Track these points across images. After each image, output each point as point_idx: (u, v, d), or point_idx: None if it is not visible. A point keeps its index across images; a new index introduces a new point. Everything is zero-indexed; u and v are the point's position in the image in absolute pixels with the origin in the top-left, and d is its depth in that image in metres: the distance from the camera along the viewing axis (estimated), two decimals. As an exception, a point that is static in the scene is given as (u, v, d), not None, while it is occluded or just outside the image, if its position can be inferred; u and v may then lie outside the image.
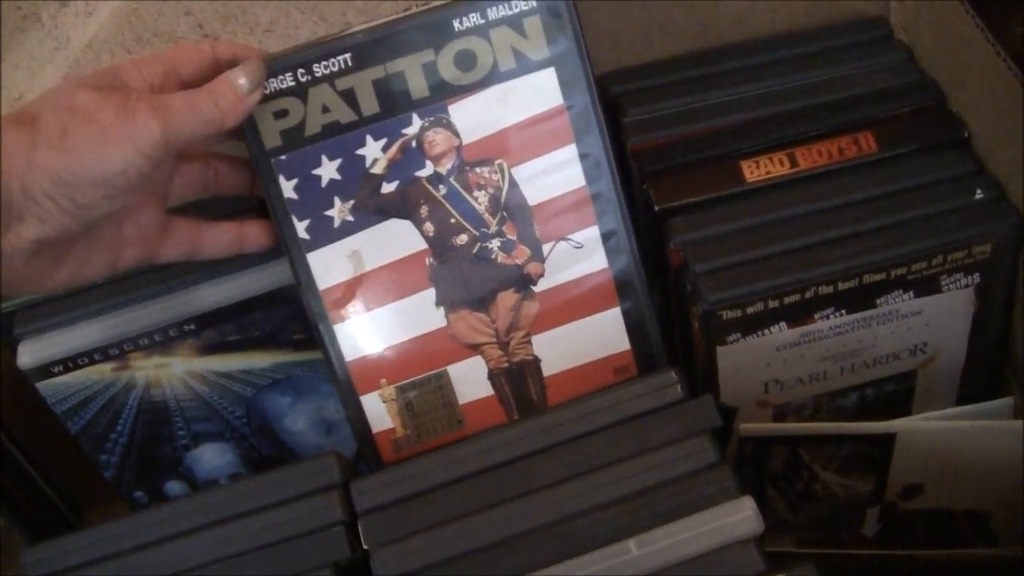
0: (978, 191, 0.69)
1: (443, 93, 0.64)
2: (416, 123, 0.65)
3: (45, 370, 0.72)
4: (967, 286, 0.70)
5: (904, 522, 0.75)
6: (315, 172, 0.65)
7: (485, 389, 0.70)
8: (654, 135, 0.73)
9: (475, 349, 0.69)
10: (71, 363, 0.72)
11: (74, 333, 0.72)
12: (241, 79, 0.59)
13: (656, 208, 0.71)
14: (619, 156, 0.75)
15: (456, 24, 0.63)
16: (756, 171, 0.71)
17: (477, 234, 0.67)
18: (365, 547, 0.60)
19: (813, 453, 0.70)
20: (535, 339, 0.69)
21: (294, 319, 0.73)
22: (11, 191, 0.53)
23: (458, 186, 0.66)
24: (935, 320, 0.71)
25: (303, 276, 0.67)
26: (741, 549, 0.56)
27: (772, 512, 0.74)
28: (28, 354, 0.71)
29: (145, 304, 0.72)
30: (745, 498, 0.58)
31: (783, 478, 0.72)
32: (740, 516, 0.57)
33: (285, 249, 0.66)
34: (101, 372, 0.73)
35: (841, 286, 0.68)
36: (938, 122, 0.73)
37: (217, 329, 0.72)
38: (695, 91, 0.75)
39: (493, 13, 0.63)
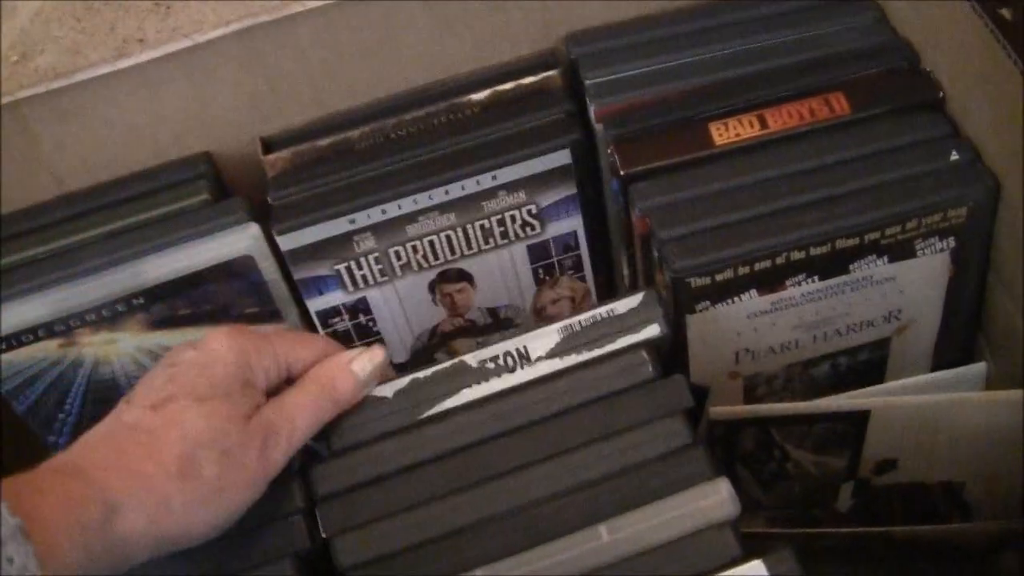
0: (953, 153, 0.67)
1: None
2: None
3: (-12, 348, 0.69)
4: (942, 251, 0.68)
5: (878, 497, 0.73)
6: None
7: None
8: (618, 98, 0.71)
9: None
10: (15, 340, 0.69)
11: (18, 309, 0.69)
12: (366, 372, 0.59)
13: (622, 173, 0.68)
14: (582, 120, 0.73)
15: None
16: (725, 133, 0.68)
17: None
18: (324, 535, 0.57)
19: (785, 432, 0.68)
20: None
21: (246, 292, 0.70)
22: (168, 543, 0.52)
23: None
24: (910, 286, 0.69)
25: None
26: (717, 533, 0.54)
27: (743, 492, 0.72)
28: (-31, 332, 0.68)
29: (91, 278, 0.69)
30: (720, 480, 0.55)
31: (754, 458, 0.70)
32: (715, 499, 0.54)
33: None
34: (47, 349, 0.70)
35: (813, 252, 0.65)
36: (912, 83, 0.71)
37: (167, 303, 0.70)
38: (661, 52, 0.72)
39: None
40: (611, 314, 0.61)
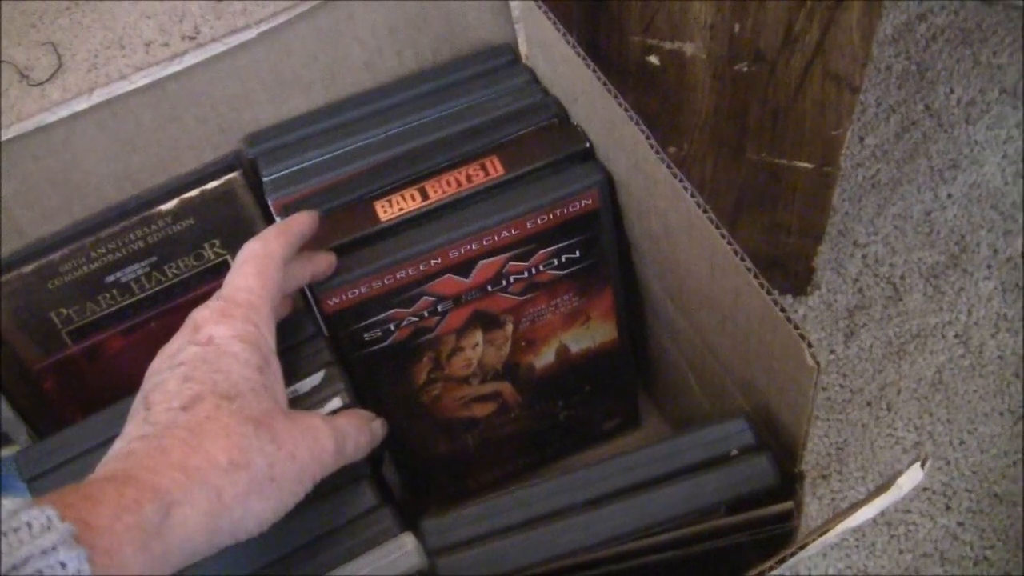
0: (600, 197, 0.73)
1: None
2: None
3: None
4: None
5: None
6: None
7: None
8: (294, 189, 0.76)
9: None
10: None
11: None
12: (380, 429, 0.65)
13: (298, 259, 0.73)
14: (264, 214, 0.78)
15: None
16: (389, 209, 0.73)
17: None
18: None
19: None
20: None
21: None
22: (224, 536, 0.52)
23: None
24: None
25: None
26: None
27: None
28: None
29: None
30: (405, 535, 0.62)
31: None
32: (403, 552, 0.61)
33: None
34: None
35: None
36: (562, 137, 0.76)
37: None
38: (330, 141, 0.77)
39: None
40: (296, 394, 0.66)
